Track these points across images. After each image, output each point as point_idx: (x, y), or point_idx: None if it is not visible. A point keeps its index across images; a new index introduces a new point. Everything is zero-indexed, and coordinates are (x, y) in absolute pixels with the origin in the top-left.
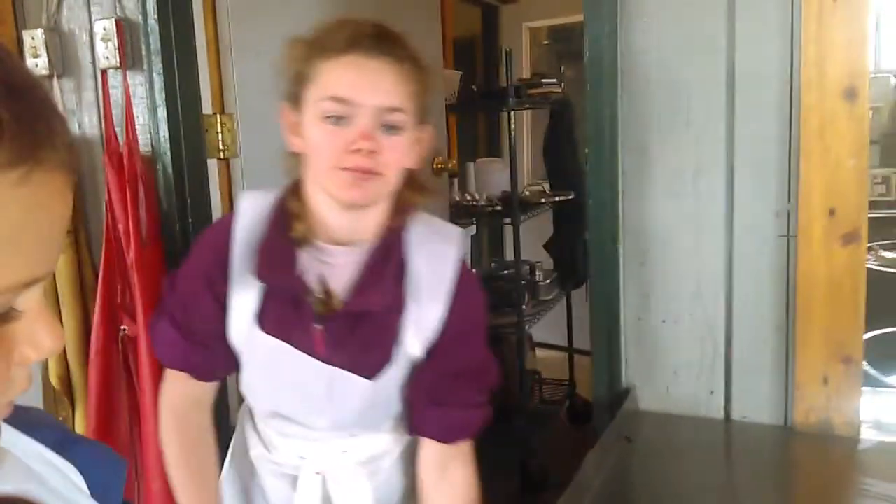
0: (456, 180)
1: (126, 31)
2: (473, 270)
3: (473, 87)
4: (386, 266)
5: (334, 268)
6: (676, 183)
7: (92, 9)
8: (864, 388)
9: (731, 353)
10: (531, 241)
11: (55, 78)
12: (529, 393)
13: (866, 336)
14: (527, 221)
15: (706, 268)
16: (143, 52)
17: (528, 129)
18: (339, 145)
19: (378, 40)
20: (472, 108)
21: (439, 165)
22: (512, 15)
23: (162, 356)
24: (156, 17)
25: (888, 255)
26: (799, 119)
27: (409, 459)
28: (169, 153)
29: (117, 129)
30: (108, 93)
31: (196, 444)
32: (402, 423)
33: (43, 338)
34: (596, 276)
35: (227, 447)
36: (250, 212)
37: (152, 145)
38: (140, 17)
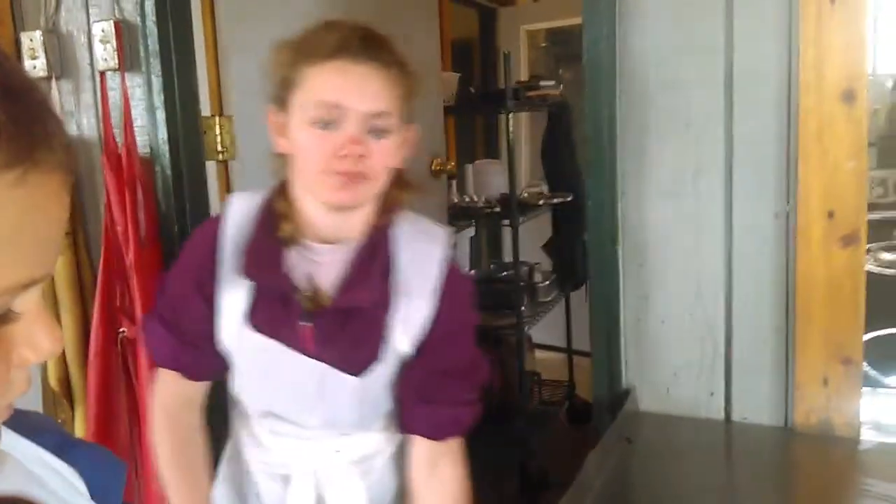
0: (454, 182)
1: (124, 33)
2: (467, 272)
3: (472, 89)
4: (373, 263)
5: (322, 266)
6: (675, 184)
7: (90, 10)
8: (864, 389)
9: (731, 353)
10: (530, 242)
11: (53, 80)
12: (529, 394)
13: (866, 337)
14: (525, 223)
15: (706, 268)
16: (142, 54)
17: (527, 132)
18: (328, 150)
19: (365, 45)
20: (471, 110)
21: (438, 167)
22: (510, 17)
23: (153, 355)
24: (154, 18)
25: (887, 256)
26: (797, 120)
27: (402, 459)
28: (167, 155)
29: (116, 131)
30: (106, 94)
31: (187, 444)
32: (394, 422)
33: (42, 340)
34: (595, 277)
35: (224, 448)
36: (238, 213)
37: (151, 147)
38: (138, 18)
